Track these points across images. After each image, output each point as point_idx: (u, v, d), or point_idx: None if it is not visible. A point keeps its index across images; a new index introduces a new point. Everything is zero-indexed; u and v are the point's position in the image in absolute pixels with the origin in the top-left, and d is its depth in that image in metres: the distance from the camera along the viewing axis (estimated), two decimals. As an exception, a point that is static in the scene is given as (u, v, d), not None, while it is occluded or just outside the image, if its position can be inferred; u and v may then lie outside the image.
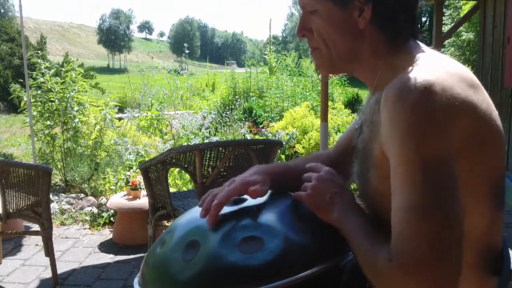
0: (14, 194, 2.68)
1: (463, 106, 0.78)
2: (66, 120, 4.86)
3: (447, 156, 0.75)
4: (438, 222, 0.72)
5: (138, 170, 3.85)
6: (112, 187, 4.36)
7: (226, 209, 0.93)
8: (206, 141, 5.58)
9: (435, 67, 0.82)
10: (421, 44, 0.92)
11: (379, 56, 0.92)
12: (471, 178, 0.82)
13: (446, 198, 0.74)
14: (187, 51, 19.06)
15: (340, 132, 6.16)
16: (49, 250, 2.74)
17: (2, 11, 51.00)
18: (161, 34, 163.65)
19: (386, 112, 0.80)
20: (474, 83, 0.83)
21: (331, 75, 1.05)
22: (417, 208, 0.73)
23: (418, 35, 0.94)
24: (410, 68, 0.82)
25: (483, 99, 0.83)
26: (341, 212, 0.89)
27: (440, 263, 0.71)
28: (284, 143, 5.43)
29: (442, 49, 7.23)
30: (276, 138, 5.48)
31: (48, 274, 2.87)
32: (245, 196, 0.99)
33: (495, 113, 0.85)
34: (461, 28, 10.72)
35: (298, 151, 5.45)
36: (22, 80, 4.79)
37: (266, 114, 7.76)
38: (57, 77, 4.90)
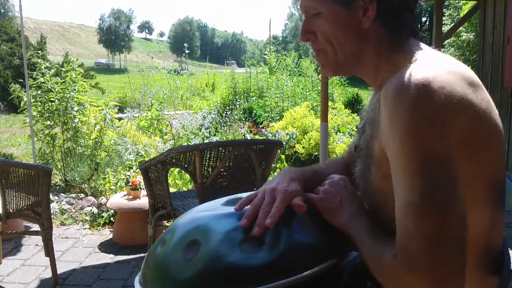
0: (14, 194, 2.68)
1: (461, 104, 0.77)
2: (66, 120, 4.86)
3: (446, 154, 0.75)
4: (437, 221, 0.72)
5: (138, 170, 3.85)
6: (112, 187, 4.35)
7: (226, 209, 0.93)
8: (206, 141, 5.58)
9: (434, 65, 0.82)
10: (422, 43, 0.93)
11: (382, 55, 0.93)
12: (470, 177, 0.81)
13: (445, 197, 0.73)
14: (187, 51, 19.06)
15: (340, 132, 6.16)
16: (49, 250, 2.74)
17: (2, 11, 50.95)
18: (161, 34, 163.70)
19: (385, 110, 0.80)
20: (474, 82, 0.83)
21: (336, 76, 1.08)
22: (417, 206, 0.74)
23: (419, 34, 0.95)
24: (409, 65, 0.82)
25: (483, 98, 0.82)
26: (349, 217, 0.90)
27: (439, 262, 0.71)
28: (284, 143, 5.43)
29: (442, 49, 7.23)
30: (276, 138, 5.48)
31: (48, 274, 2.87)
32: (246, 195, 0.99)
33: (495, 112, 0.85)
34: (461, 28, 10.71)
35: (298, 151, 5.45)
36: (22, 80, 4.78)
37: (266, 114, 7.76)
38: (57, 77, 4.90)
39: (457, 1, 11.92)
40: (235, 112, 7.33)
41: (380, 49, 0.93)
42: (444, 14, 11.66)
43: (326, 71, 1.02)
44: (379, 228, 0.87)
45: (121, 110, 7.15)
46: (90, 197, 4.32)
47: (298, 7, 1.00)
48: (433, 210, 0.73)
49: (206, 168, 2.60)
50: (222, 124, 6.62)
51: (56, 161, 4.93)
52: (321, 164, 1.22)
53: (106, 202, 3.91)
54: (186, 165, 2.63)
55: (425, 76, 0.77)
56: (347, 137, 5.75)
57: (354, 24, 0.91)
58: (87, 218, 3.97)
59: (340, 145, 5.39)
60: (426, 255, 0.71)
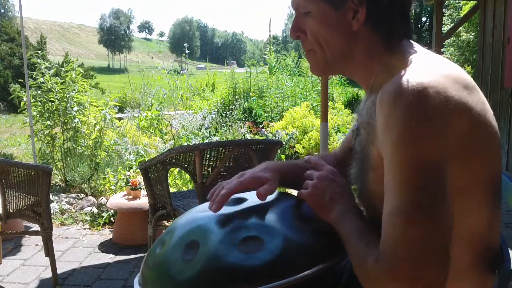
0: (14, 194, 2.68)
1: (457, 108, 0.77)
2: (66, 120, 4.86)
3: (439, 162, 0.75)
4: (425, 228, 0.72)
5: (138, 170, 3.85)
6: (112, 187, 4.35)
7: (226, 209, 0.93)
8: (206, 141, 5.58)
9: (429, 69, 0.82)
10: (415, 44, 0.93)
11: (374, 56, 0.92)
12: (469, 178, 0.82)
13: (435, 204, 0.73)
14: (187, 51, 19.03)
15: (340, 132, 6.16)
16: (49, 250, 2.74)
17: (2, 11, 50.94)
18: (161, 34, 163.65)
19: (381, 115, 0.80)
20: (468, 84, 0.83)
21: (325, 76, 1.08)
22: (404, 214, 0.74)
23: (412, 35, 0.94)
24: (404, 70, 0.82)
25: (478, 100, 0.83)
26: (339, 213, 0.89)
27: (421, 272, 0.71)
28: (284, 143, 5.43)
29: (442, 49, 7.23)
30: (276, 138, 5.48)
31: (48, 274, 2.87)
32: (246, 196, 0.99)
33: (490, 113, 0.85)
34: (461, 28, 10.72)
35: (298, 151, 5.46)
36: (22, 80, 4.79)
37: (266, 114, 7.77)
38: (57, 77, 4.90)
39: (457, 1, 11.92)
40: (235, 112, 7.32)
41: (370, 51, 0.92)
42: (444, 14, 11.67)
43: (314, 70, 1.01)
44: (370, 229, 0.86)
45: (121, 110, 7.16)
46: (90, 197, 4.32)
47: (291, 4, 0.98)
48: (421, 219, 0.72)
49: (206, 168, 2.60)
50: (222, 124, 6.62)
51: (56, 161, 4.93)
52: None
53: (106, 202, 3.91)
54: (186, 165, 2.63)
55: (420, 82, 0.76)
56: (347, 137, 5.75)
57: (343, 25, 0.90)
58: (87, 218, 3.97)
59: (340, 145, 5.38)
60: (409, 263, 0.71)
